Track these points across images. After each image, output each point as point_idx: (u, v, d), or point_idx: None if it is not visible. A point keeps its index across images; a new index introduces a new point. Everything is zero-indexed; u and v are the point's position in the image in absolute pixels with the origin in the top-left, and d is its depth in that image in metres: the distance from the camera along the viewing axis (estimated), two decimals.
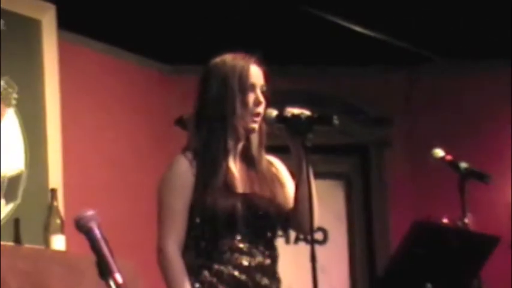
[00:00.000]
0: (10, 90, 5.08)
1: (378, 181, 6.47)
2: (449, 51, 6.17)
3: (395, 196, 6.30)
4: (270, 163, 3.52)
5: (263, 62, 3.49)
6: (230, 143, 3.42)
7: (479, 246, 4.08)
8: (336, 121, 3.32)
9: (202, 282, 3.31)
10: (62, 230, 4.89)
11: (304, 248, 3.42)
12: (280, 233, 3.54)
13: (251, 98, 3.39)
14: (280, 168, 3.53)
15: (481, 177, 4.31)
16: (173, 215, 3.36)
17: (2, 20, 5.10)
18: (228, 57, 3.48)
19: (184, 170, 3.38)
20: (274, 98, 3.48)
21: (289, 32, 5.83)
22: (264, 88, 3.44)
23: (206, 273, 3.32)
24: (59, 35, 5.32)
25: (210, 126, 3.42)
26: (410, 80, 6.34)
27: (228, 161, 3.42)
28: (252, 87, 3.40)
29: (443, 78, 6.33)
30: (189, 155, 3.40)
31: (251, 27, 5.43)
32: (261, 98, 3.40)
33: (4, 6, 5.10)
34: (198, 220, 3.35)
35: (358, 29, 5.83)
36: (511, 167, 6.17)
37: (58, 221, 4.92)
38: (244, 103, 3.39)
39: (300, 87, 6.01)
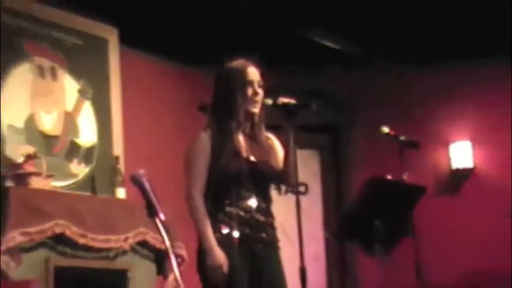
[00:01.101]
0: (87, 88, 5.11)
1: (344, 151, 6.44)
2: (395, 57, 6.11)
3: (356, 161, 6.30)
4: (268, 138, 3.49)
5: (260, 64, 3.46)
6: (235, 123, 3.38)
7: (412, 193, 4.08)
8: (314, 107, 3.34)
9: (218, 221, 3.31)
10: (123, 184, 4.94)
11: (291, 197, 3.41)
12: (274, 186, 3.49)
13: (250, 91, 3.36)
14: (274, 141, 3.50)
15: (412, 145, 4.30)
16: (197, 172, 3.34)
17: (81, 39, 5.13)
18: (234, 62, 3.46)
19: (205, 142, 3.36)
20: (270, 90, 3.46)
21: (289, 45, 5.78)
22: (261, 83, 3.41)
23: (221, 214, 3.32)
24: (120, 48, 5.34)
25: (221, 111, 3.40)
26: (368, 79, 6.30)
27: (237, 135, 3.39)
28: (250, 83, 3.37)
29: (390, 77, 6.28)
30: (209, 131, 3.39)
31: (255, 38, 5.38)
32: (258, 90, 3.38)
33: (81, 28, 5.15)
34: (214, 178, 3.34)
35: (335, 46, 5.83)
36: (436, 139, 6.18)
37: (120, 178, 4.96)
38: (244, 94, 3.36)
39: (289, 82, 5.93)
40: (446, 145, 6.16)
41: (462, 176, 6.12)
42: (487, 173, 6.12)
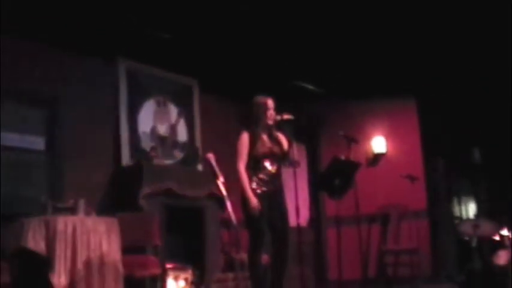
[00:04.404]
0: (182, 111, 5.00)
1: (318, 143, 6.18)
2: (344, 94, 5.80)
3: (324, 149, 6.10)
4: (280, 136, 3.35)
5: (274, 98, 3.34)
6: (261, 128, 3.27)
7: (354, 166, 3.94)
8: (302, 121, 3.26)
9: (253, 181, 3.20)
10: (200, 162, 4.86)
11: (291, 170, 3.32)
12: (282, 162, 3.39)
13: (268, 112, 3.27)
14: (282, 138, 3.35)
15: (354, 141, 4.19)
16: (242, 155, 3.21)
17: (178, 86, 5.01)
18: (260, 97, 3.32)
19: (246, 138, 3.24)
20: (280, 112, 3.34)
21: (290, 90, 5.40)
22: (274, 108, 3.30)
23: (255, 178, 3.21)
24: (200, 92, 5.20)
25: (254, 123, 3.28)
26: (329, 106, 6.10)
27: (262, 135, 3.28)
28: (268, 108, 3.27)
29: (342, 105, 6.04)
30: (247, 132, 3.26)
31: (272, 87, 5.11)
32: (272, 112, 3.27)
33: (178, 80, 5.03)
34: (251, 157, 3.22)
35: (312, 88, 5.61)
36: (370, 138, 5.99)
37: (199, 159, 4.89)
38: (266, 114, 3.26)
39: (289, 109, 5.73)
40: (370, 139, 6.00)
41: (379, 156, 5.98)
42: (392, 155, 5.97)
